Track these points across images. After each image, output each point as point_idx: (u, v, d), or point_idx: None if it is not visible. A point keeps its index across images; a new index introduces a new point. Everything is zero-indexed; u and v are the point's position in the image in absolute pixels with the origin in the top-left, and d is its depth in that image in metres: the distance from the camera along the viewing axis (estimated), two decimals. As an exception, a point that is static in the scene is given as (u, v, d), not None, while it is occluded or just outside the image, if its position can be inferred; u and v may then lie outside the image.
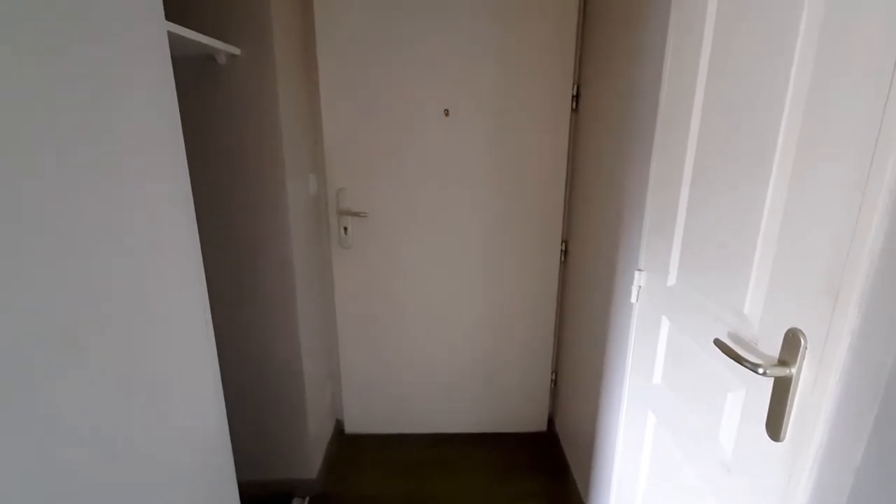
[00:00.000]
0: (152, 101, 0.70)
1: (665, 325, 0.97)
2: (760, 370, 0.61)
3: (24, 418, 0.49)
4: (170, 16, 0.90)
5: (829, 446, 0.56)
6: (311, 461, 1.67)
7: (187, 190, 0.79)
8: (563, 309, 1.90)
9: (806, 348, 0.59)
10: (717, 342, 0.72)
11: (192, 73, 1.28)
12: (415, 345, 1.90)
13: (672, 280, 0.94)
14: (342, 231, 1.75)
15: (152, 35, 0.70)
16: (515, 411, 2.00)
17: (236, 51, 1.25)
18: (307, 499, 1.66)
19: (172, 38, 0.94)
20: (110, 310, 0.61)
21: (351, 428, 2.00)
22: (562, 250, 1.82)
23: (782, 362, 0.62)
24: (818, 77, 0.58)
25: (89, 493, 0.58)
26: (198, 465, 0.84)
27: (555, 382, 2.00)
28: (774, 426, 0.63)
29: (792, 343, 0.60)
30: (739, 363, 0.65)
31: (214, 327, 0.90)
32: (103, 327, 0.60)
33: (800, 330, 0.59)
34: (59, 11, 0.53)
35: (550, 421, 2.04)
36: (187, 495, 0.80)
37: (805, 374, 0.59)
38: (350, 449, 1.93)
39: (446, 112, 1.65)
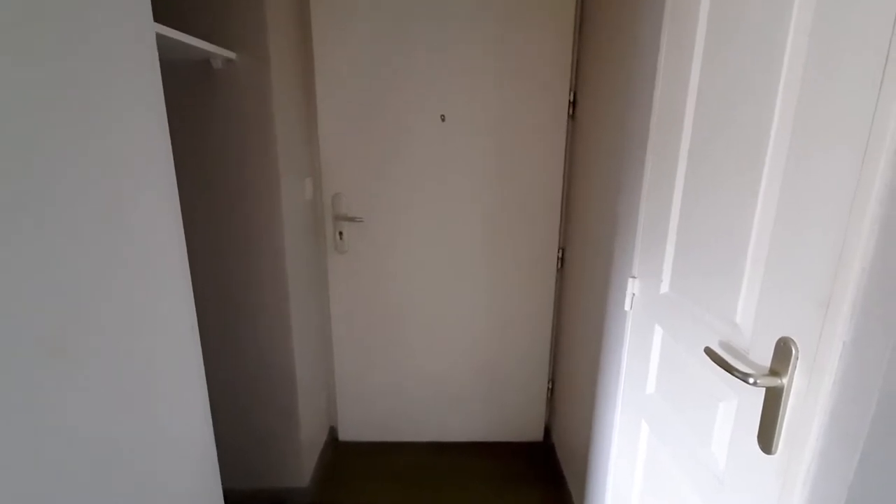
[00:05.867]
0: (139, 103, 0.70)
1: (658, 333, 0.96)
2: (751, 380, 0.60)
3: (9, 424, 0.48)
4: (166, 20, 0.91)
5: (822, 460, 0.55)
6: (303, 469, 1.65)
7: (174, 196, 0.79)
8: (560, 317, 1.88)
9: (797, 358, 0.57)
10: (708, 351, 0.70)
11: (188, 78, 1.28)
12: (410, 352, 1.89)
13: (665, 288, 0.93)
14: (338, 236, 1.74)
15: (139, 36, 0.70)
16: (512, 420, 1.98)
17: (231, 55, 1.25)
18: (299, 507, 1.64)
19: (164, 40, 0.94)
20: (96, 318, 0.60)
21: (345, 435, 1.98)
22: (559, 258, 1.80)
23: (774, 372, 0.60)
24: (806, 90, 0.57)
25: (72, 499, 0.56)
26: (183, 472, 0.82)
27: (551, 391, 1.98)
28: (766, 438, 0.61)
29: (783, 352, 0.59)
30: (730, 373, 0.64)
31: (206, 333, 0.89)
32: (88, 335, 0.59)
33: (791, 339, 0.58)
34: (42, 13, 0.52)
35: (547, 430, 2.01)
36: (172, 502, 0.79)
37: (797, 384, 0.58)
38: (344, 456, 1.90)
39: (442, 118, 1.65)
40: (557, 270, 1.82)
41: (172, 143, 0.78)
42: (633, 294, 1.08)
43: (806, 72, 0.57)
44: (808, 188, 0.56)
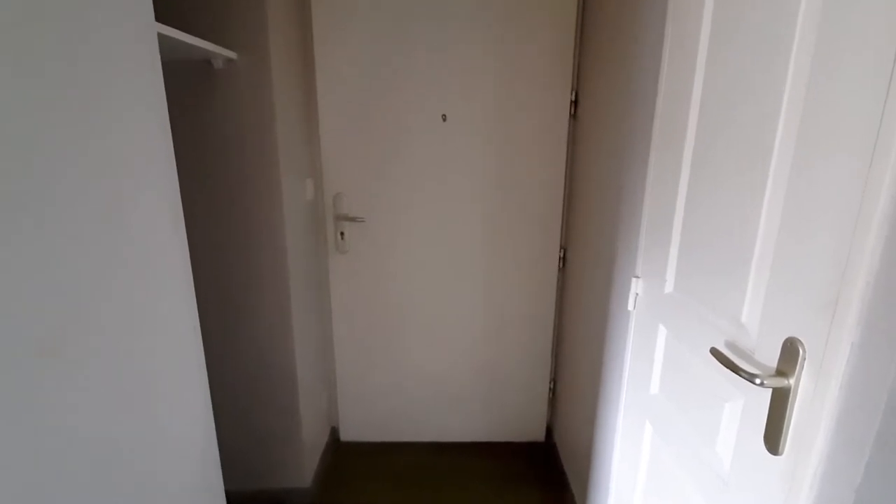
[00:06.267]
0: (140, 103, 0.69)
1: (662, 333, 0.95)
2: (758, 380, 0.59)
3: (9, 424, 0.48)
4: (166, 20, 0.90)
5: (830, 461, 0.54)
6: (305, 469, 1.64)
7: (176, 196, 0.78)
8: (562, 316, 1.87)
9: (805, 358, 0.57)
10: (714, 351, 0.70)
11: (189, 78, 1.28)
12: (412, 352, 1.88)
13: (669, 287, 0.92)
14: (339, 236, 1.74)
15: (140, 36, 0.70)
16: (512, 420, 1.97)
17: (233, 55, 1.25)
18: (300, 508, 1.63)
19: (165, 40, 0.94)
20: (96, 318, 0.60)
21: (347, 436, 1.98)
22: (560, 257, 1.80)
23: (780, 373, 0.60)
24: (811, 93, 0.57)
25: (72, 499, 0.56)
26: (183, 472, 0.82)
27: (553, 391, 1.97)
28: (773, 439, 0.61)
29: (790, 352, 0.58)
30: (736, 373, 0.63)
31: (207, 334, 0.89)
32: (88, 335, 0.58)
33: (798, 339, 0.57)
34: (42, 13, 0.52)
35: (549, 431, 2.01)
36: (172, 502, 0.78)
37: (804, 385, 0.57)
38: (345, 457, 1.90)
39: (444, 117, 1.64)
40: (559, 270, 1.81)
41: (173, 143, 0.77)
42: (637, 294, 1.07)
43: (811, 74, 0.57)
44: (812, 192, 0.56)
